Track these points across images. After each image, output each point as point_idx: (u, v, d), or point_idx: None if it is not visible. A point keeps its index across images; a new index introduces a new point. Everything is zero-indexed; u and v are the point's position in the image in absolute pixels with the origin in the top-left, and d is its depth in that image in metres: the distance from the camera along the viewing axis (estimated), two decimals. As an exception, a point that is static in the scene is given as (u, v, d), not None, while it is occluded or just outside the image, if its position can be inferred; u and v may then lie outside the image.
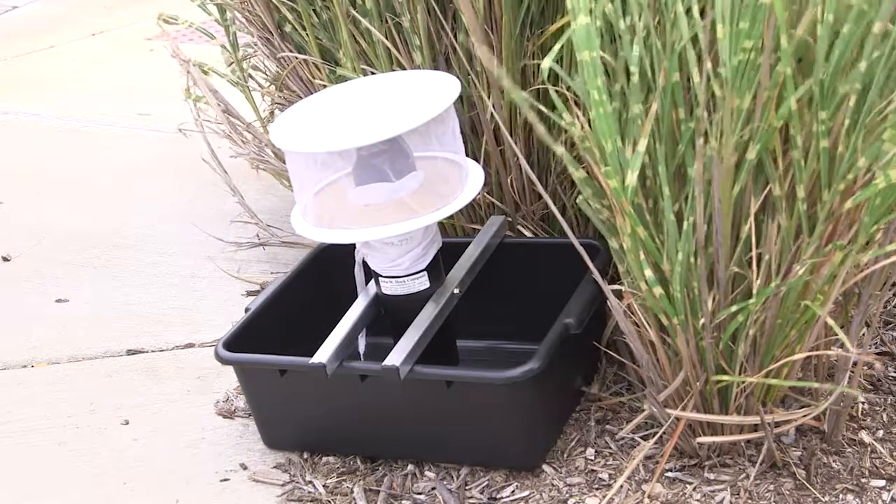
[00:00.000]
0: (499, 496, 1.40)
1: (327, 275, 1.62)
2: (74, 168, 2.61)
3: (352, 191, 1.40)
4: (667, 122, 1.22)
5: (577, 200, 1.29)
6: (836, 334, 1.34)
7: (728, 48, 1.13)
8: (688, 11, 1.16)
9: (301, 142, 1.37)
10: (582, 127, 1.24)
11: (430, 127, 1.37)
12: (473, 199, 1.41)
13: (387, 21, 1.67)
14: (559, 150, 1.24)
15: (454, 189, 1.40)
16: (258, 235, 2.09)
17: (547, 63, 1.20)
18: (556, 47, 1.20)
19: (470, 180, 1.41)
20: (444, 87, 1.38)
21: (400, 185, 1.37)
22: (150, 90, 2.96)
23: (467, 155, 1.45)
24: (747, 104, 1.15)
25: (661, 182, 1.22)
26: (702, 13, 1.17)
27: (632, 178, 1.19)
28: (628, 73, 1.22)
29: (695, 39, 1.17)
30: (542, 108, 1.31)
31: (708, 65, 1.14)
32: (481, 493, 1.41)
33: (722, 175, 1.19)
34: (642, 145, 1.19)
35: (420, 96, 1.39)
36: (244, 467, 1.52)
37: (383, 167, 1.36)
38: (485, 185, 1.41)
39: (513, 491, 1.41)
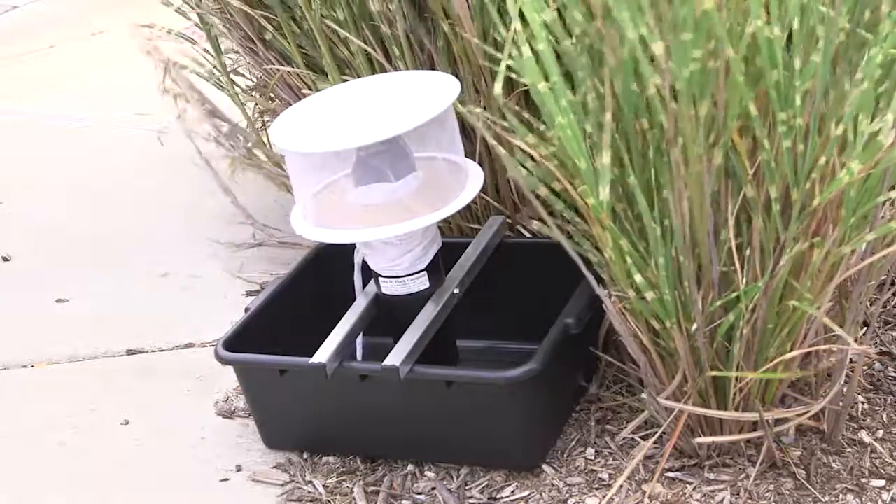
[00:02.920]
0: (499, 496, 1.40)
1: (327, 275, 1.62)
2: (74, 168, 2.60)
3: (352, 191, 1.40)
4: (632, 132, 1.21)
5: (535, 226, 1.28)
6: (834, 333, 1.34)
7: (677, 61, 1.13)
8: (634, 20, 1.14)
9: (301, 142, 1.37)
10: (553, 144, 1.23)
11: (430, 127, 1.37)
12: (473, 200, 1.41)
13: (363, 29, 1.67)
14: (522, 171, 1.24)
15: (454, 189, 1.40)
16: (254, 236, 2.09)
17: (498, 89, 1.18)
18: (501, 72, 1.19)
19: (469, 181, 1.42)
20: (443, 88, 1.38)
21: (400, 185, 1.37)
22: (149, 90, 2.94)
23: (465, 155, 1.45)
24: (705, 111, 1.15)
25: (636, 192, 1.21)
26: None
27: (604, 192, 1.19)
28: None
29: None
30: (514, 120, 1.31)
31: (658, 80, 1.14)
32: (481, 493, 1.41)
33: (690, 182, 1.18)
34: (606, 158, 1.18)
35: (420, 96, 1.40)
36: (244, 467, 1.52)
37: (383, 167, 1.37)
38: (483, 185, 1.41)
39: (513, 491, 1.41)
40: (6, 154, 2.76)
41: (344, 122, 1.40)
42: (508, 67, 1.18)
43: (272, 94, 2.00)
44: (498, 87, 1.19)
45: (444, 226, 1.74)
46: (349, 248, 1.48)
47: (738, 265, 1.23)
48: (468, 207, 1.67)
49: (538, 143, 1.25)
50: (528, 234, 1.72)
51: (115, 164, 2.60)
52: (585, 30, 1.18)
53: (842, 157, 1.17)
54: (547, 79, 1.17)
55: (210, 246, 2.12)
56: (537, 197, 1.26)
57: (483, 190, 1.55)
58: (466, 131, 1.68)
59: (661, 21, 1.11)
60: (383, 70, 1.68)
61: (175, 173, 2.45)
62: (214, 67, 2.09)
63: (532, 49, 1.16)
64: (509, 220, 1.70)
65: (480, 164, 1.67)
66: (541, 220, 1.27)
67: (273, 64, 1.88)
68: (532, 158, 1.28)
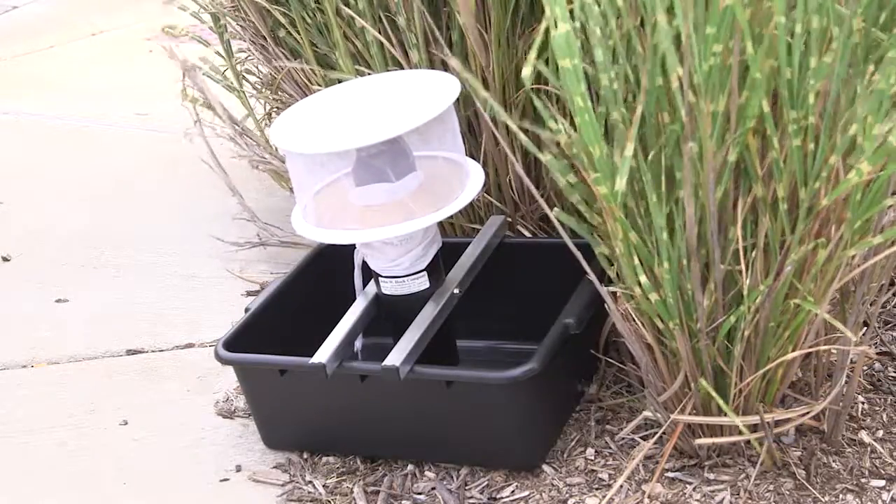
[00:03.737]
0: (499, 496, 1.40)
1: (327, 275, 1.62)
2: (74, 168, 2.61)
3: (352, 191, 1.40)
4: (651, 126, 1.21)
5: (553, 213, 1.28)
6: (834, 334, 1.34)
7: (697, 54, 1.13)
8: (668, 11, 1.14)
9: (301, 142, 1.37)
10: (569, 136, 1.23)
11: (431, 127, 1.37)
12: (473, 200, 1.41)
13: (381, 20, 1.67)
14: (545, 158, 1.24)
15: (454, 189, 1.40)
16: (258, 235, 2.09)
17: (527, 72, 1.18)
18: (532, 56, 1.19)
19: (470, 180, 1.41)
20: (444, 87, 1.38)
21: (400, 185, 1.37)
22: (149, 90, 2.96)
23: (466, 154, 1.45)
24: (723, 107, 1.15)
25: (648, 188, 1.21)
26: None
27: (621, 183, 1.19)
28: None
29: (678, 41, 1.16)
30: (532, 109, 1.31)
31: (680, 71, 1.14)
32: (481, 493, 1.41)
33: (706, 178, 1.18)
34: (629, 150, 1.18)
35: (420, 96, 1.40)
36: (244, 467, 1.52)
37: (383, 168, 1.36)
38: (484, 184, 1.41)
39: (513, 491, 1.41)
40: (6, 154, 2.76)
41: (344, 123, 1.40)
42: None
43: (280, 90, 2.00)
44: (527, 72, 1.18)
45: (445, 225, 1.74)
46: (349, 249, 1.48)
47: (742, 265, 1.23)
48: (469, 207, 1.68)
49: (559, 132, 1.25)
50: (528, 234, 1.72)
51: (115, 164, 2.60)
52: (622, 18, 1.18)
53: (850, 159, 1.17)
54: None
55: (210, 246, 2.12)
56: (541, 194, 1.26)
57: (485, 189, 1.56)
58: (472, 128, 1.69)
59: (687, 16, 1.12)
60: (397, 62, 1.68)
61: (175, 173, 2.45)
62: (226, 70, 2.10)
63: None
64: (509, 220, 1.69)
65: (485, 161, 1.67)
66: (546, 218, 1.27)
67: (283, 59, 1.89)
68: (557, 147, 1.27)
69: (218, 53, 2.10)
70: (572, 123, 1.21)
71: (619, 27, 1.19)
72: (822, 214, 1.20)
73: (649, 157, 1.22)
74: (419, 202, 1.37)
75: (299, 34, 1.81)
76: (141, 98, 2.93)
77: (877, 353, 1.54)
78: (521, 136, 1.22)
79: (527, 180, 1.28)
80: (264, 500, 1.46)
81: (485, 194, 1.69)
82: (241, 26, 1.98)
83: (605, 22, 1.19)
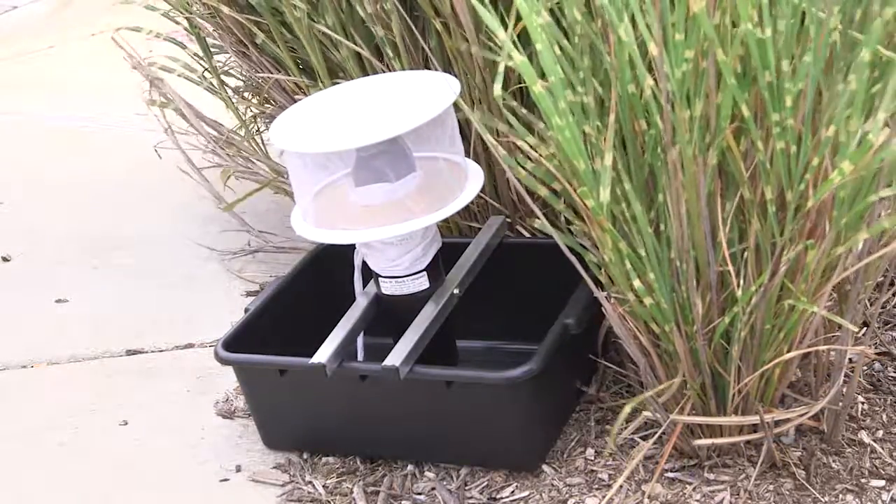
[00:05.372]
0: (499, 496, 1.40)
1: (327, 274, 1.62)
2: (74, 168, 2.61)
3: (352, 191, 1.40)
4: (629, 132, 1.21)
5: (536, 224, 1.28)
6: (833, 334, 1.34)
7: (669, 61, 1.12)
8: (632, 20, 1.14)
9: (300, 142, 1.37)
10: (549, 145, 1.23)
11: (430, 127, 1.37)
12: (473, 200, 1.41)
13: (352, 35, 1.67)
14: (522, 172, 1.24)
15: (454, 190, 1.40)
16: (249, 243, 2.09)
17: (497, 90, 1.18)
18: (501, 70, 1.19)
19: (469, 181, 1.42)
20: (443, 88, 1.38)
21: (400, 185, 1.37)
22: (149, 90, 2.95)
23: (465, 154, 1.45)
24: (699, 111, 1.15)
25: (631, 196, 1.21)
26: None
27: (604, 194, 1.19)
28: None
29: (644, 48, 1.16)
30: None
31: (650, 80, 1.14)
32: (481, 493, 1.41)
33: (687, 183, 1.18)
34: (608, 160, 1.18)
35: (419, 97, 1.40)
36: (244, 468, 1.52)
37: (383, 168, 1.37)
38: (482, 185, 1.42)
39: (513, 491, 1.41)
40: (6, 154, 2.76)
41: (344, 123, 1.40)
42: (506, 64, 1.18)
43: (266, 96, 1.99)
44: (497, 88, 1.19)
45: (444, 226, 1.74)
46: (349, 249, 1.48)
47: (731, 268, 1.23)
48: (468, 207, 1.68)
49: (538, 144, 1.25)
50: (527, 234, 1.72)
51: (114, 164, 2.60)
52: (585, 30, 1.18)
53: (835, 159, 1.17)
54: (544, 79, 1.17)
55: (210, 245, 2.12)
56: (534, 198, 1.26)
57: (482, 190, 1.56)
58: (463, 130, 1.68)
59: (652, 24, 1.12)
60: (375, 72, 1.68)
61: (175, 173, 2.44)
62: (205, 70, 2.09)
63: (527, 49, 1.16)
64: (509, 220, 1.70)
65: (477, 163, 1.67)
66: (545, 217, 1.27)
67: (266, 67, 1.88)
68: (530, 159, 1.28)
69: (196, 55, 2.08)
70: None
71: (583, 37, 1.19)
72: (812, 214, 1.20)
73: (630, 165, 1.22)
74: (419, 202, 1.38)
75: (277, 45, 1.80)
76: (140, 98, 2.92)
77: (876, 353, 1.54)
78: (500, 150, 1.22)
79: (518, 184, 1.28)
80: (264, 500, 1.46)
81: (483, 195, 1.69)
82: (219, 33, 1.96)
83: (565, 35, 1.19)
